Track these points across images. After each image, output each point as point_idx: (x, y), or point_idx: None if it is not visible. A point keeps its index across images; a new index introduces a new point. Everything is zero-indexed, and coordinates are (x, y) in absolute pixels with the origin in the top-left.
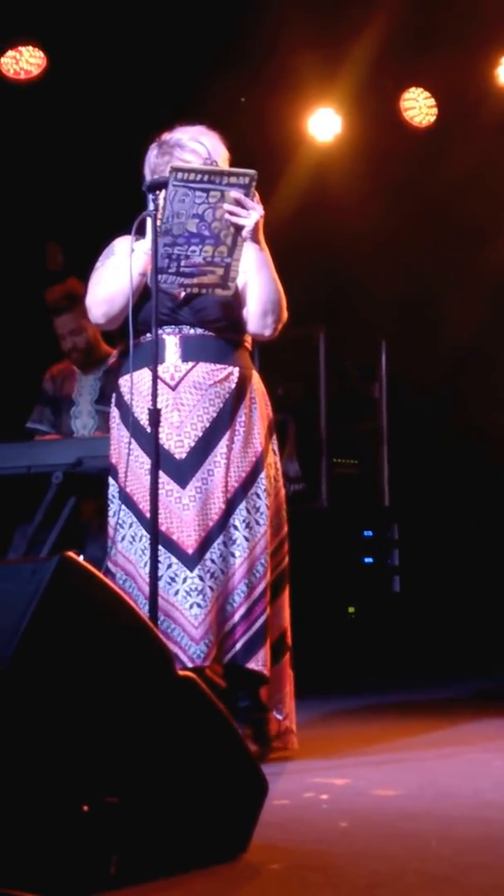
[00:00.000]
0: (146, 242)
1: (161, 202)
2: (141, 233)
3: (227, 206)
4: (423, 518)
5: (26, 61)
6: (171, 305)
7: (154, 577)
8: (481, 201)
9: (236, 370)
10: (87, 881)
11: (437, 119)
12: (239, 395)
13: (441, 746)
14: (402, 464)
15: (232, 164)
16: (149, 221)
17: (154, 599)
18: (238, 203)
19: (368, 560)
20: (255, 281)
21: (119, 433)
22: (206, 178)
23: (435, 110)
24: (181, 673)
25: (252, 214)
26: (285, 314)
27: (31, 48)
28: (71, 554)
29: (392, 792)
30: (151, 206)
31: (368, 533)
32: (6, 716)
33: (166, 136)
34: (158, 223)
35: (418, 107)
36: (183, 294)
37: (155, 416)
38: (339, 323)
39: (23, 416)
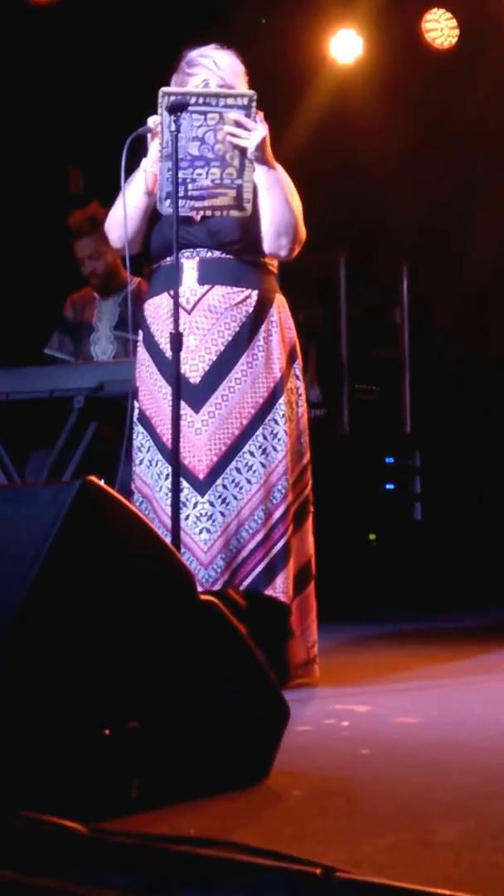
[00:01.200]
0: (150, 160)
1: (159, 126)
2: (143, 153)
3: (227, 128)
4: (445, 445)
5: None
6: (188, 228)
7: (175, 506)
8: (503, 124)
9: (255, 293)
10: (108, 804)
11: (458, 40)
12: (257, 318)
13: (463, 675)
14: (423, 390)
15: (252, 86)
16: (152, 142)
17: (176, 527)
18: (238, 124)
19: (390, 487)
20: (266, 202)
21: (141, 356)
22: (200, 100)
23: (457, 31)
24: (203, 597)
25: (253, 135)
26: (302, 235)
27: None
28: (93, 478)
29: (413, 720)
30: (173, 127)
31: (390, 459)
32: (29, 641)
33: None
34: (160, 147)
35: (440, 28)
36: (199, 217)
37: (177, 340)
38: (361, 247)
39: (45, 343)
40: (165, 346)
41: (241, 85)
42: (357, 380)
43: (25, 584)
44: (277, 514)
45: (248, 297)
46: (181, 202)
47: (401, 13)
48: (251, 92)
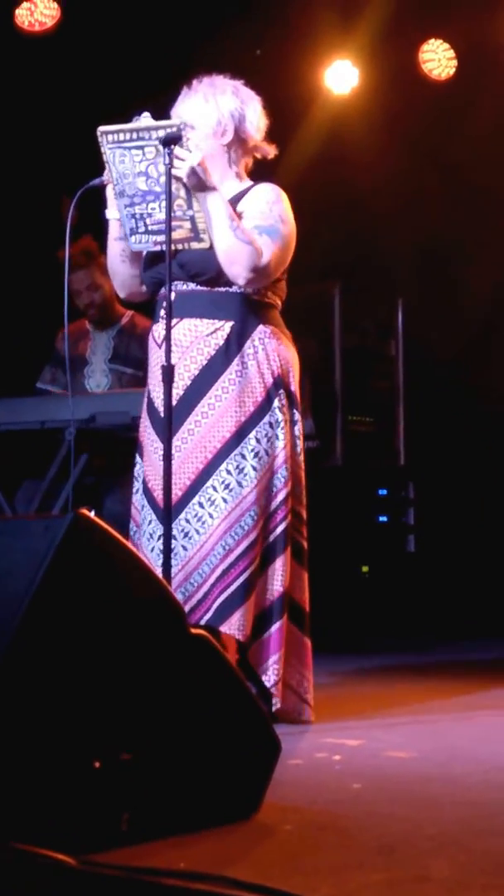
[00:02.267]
0: (111, 208)
1: (105, 164)
2: (103, 204)
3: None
4: (439, 477)
5: (41, 13)
6: (163, 264)
7: (168, 536)
8: (502, 156)
9: (230, 324)
10: (98, 837)
11: (456, 72)
12: (230, 349)
13: (455, 709)
14: (417, 422)
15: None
16: (108, 189)
17: (168, 558)
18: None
19: (383, 519)
20: (211, 232)
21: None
22: (135, 135)
23: (454, 63)
24: (194, 630)
25: (185, 164)
26: (259, 264)
27: (45, 0)
28: (85, 511)
29: (405, 754)
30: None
31: (383, 491)
32: (20, 673)
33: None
34: (112, 186)
35: (437, 59)
36: (160, 249)
37: (168, 373)
38: (356, 279)
39: (36, 375)
40: (149, 379)
41: (216, 116)
42: (351, 411)
43: (17, 616)
44: (239, 550)
45: (220, 328)
46: (144, 237)
47: (398, 44)
48: (179, 121)
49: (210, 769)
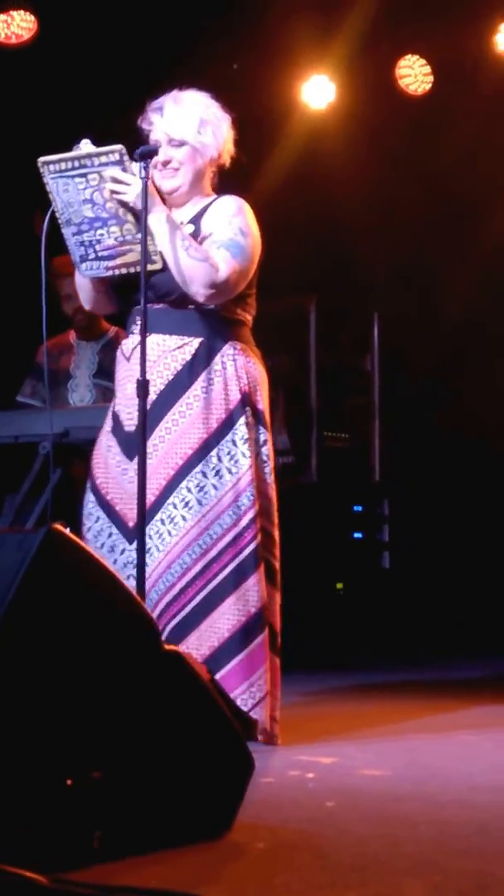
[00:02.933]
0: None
1: (49, 195)
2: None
3: (108, 186)
4: (414, 494)
5: (17, 25)
6: (133, 283)
7: (142, 551)
8: (478, 172)
9: (197, 341)
10: (70, 855)
11: (433, 87)
12: (195, 366)
13: (430, 727)
14: (393, 438)
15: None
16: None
17: (141, 573)
18: (116, 180)
19: (358, 535)
20: (164, 254)
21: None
22: (76, 163)
23: (431, 78)
24: (167, 647)
25: (130, 189)
26: (219, 277)
27: (22, 12)
28: (58, 526)
29: (379, 772)
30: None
31: (358, 508)
32: None
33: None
34: (57, 216)
35: (414, 74)
36: (115, 274)
37: (143, 387)
38: (331, 294)
39: (16, 388)
40: (116, 394)
41: (195, 132)
42: (326, 427)
43: None
44: (196, 569)
45: (187, 344)
46: (95, 264)
47: (374, 59)
48: (119, 146)
49: (182, 787)
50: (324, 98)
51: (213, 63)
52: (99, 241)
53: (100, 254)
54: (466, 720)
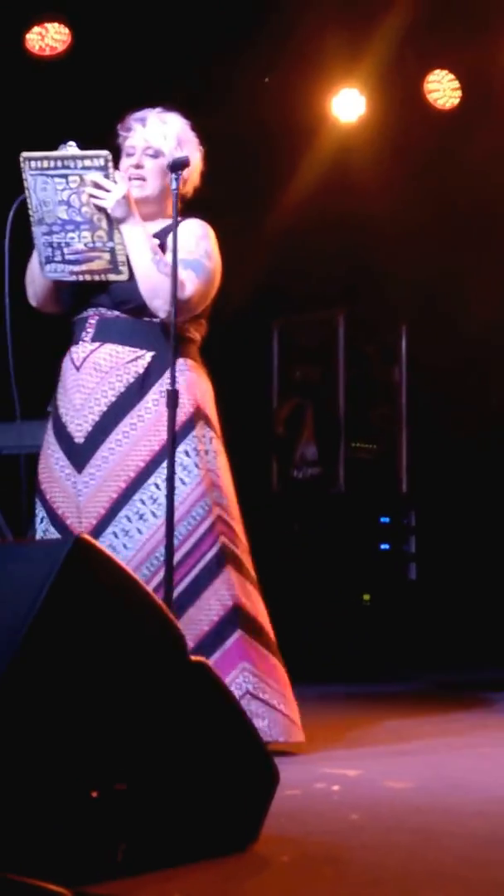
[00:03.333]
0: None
1: (26, 191)
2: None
3: (88, 190)
4: (441, 505)
5: (51, 38)
6: (88, 288)
7: (170, 563)
8: None
9: (150, 355)
10: (94, 868)
11: (461, 101)
12: (148, 378)
13: (454, 739)
14: (420, 449)
15: (254, 145)
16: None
17: (169, 584)
18: (97, 185)
19: (385, 547)
20: (132, 265)
21: (52, 412)
22: (59, 163)
23: (459, 93)
24: (193, 658)
25: (111, 196)
26: (184, 295)
27: (56, 25)
28: (85, 536)
29: (403, 784)
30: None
31: (385, 519)
32: (17, 701)
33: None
34: (31, 214)
35: (442, 89)
36: (76, 280)
37: (173, 397)
38: (360, 306)
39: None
40: (60, 402)
41: (173, 148)
42: (354, 438)
43: (16, 642)
44: (154, 582)
45: (140, 357)
46: (60, 266)
47: (403, 73)
48: (105, 152)
49: (207, 799)
50: (354, 111)
51: (244, 77)
52: (68, 245)
53: (67, 257)
54: (491, 732)
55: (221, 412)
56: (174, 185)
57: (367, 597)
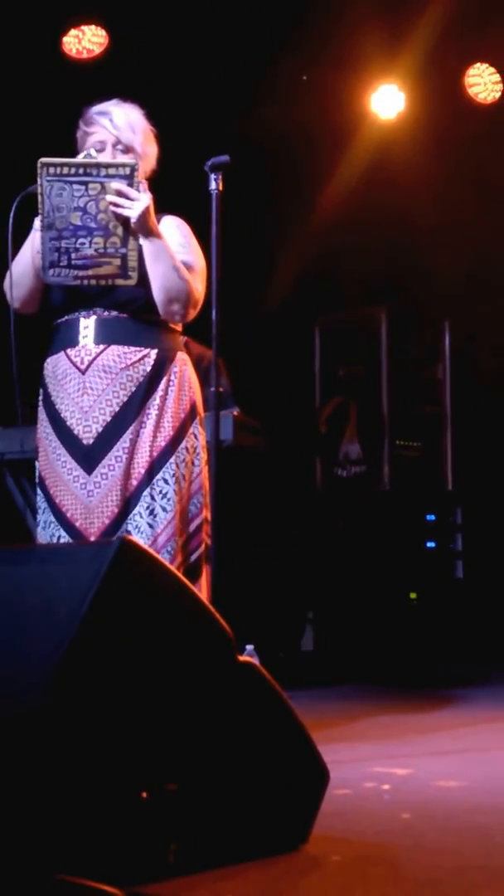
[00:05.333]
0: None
1: (39, 196)
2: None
3: (109, 198)
4: (487, 502)
5: (88, 40)
6: (82, 290)
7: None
8: None
9: (154, 352)
10: (145, 868)
11: (502, 95)
12: (154, 377)
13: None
14: (465, 446)
15: (294, 143)
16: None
17: (212, 595)
18: (121, 194)
19: (431, 544)
20: (155, 271)
21: (40, 416)
22: (81, 170)
23: (500, 86)
24: (242, 658)
25: (136, 205)
26: (197, 297)
27: (93, 27)
28: (131, 538)
29: (454, 783)
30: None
31: (431, 517)
32: (68, 702)
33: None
34: (41, 217)
35: (483, 83)
36: (78, 284)
37: (218, 398)
38: (403, 303)
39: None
40: (61, 406)
41: (142, 141)
42: (399, 436)
43: (64, 643)
44: None
45: (146, 356)
46: (64, 271)
47: (443, 68)
48: (133, 161)
49: (257, 799)
50: (393, 107)
51: (284, 75)
52: (77, 250)
53: (73, 262)
54: None
55: (266, 411)
56: (212, 186)
57: (413, 595)
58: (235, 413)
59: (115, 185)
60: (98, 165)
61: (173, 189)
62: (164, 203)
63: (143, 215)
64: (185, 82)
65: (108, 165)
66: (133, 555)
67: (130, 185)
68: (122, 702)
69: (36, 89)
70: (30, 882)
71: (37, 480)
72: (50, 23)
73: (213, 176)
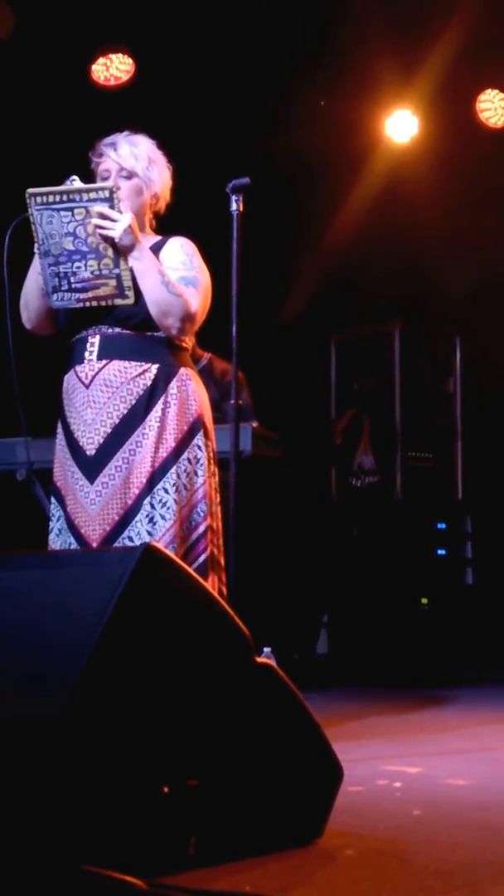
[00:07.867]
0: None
1: (32, 225)
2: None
3: (94, 221)
4: (496, 511)
5: (116, 68)
6: (87, 309)
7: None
8: None
9: (155, 367)
10: (167, 861)
11: None
12: (155, 391)
13: None
14: (475, 458)
15: (310, 165)
16: (36, 246)
17: (234, 602)
18: (103, 216)
19: (441, 552)
20: (143, 288)
21: (58, 429)
22: (65, 197)
23: None
24: (259, 660)
25: (117, 226)
26: (192, 309)
27: (120, 55)
28: (154, 543)
29: (464, 781)
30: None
31: (442, 525)
32: (93, 700)
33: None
34: (36, 246)
35: (494, 108)
36: (82, 306)
37: (238, 410)
38: (415, 319)
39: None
40: (70, 419)
41: (145, 167)
42: (411, 447)
43: (90, 645)
44: None
45: (147, 370)
46: (67, 295)
47: (455, 94)
48: (111, 184)
49: (274, 795)
50: (407, 132)
51: (302, 101)
52: (75, 274)
53: (74, 286)
54: None
55: (283, 423)
56: (233, 207)
57: (424, 601)
58: (254, 425)
59: (98, 208)
60: (79, 191)
61: (196, 209)
62: (187, 223)
63: (126, 234)
64: (208, 108)
65: (87, 190)
66: (157, 559)
67: (112, 207)
68: (145, 700)
69: (66, 115)
70: (56, 873)
71: (52, 489)
72: (79, 52)
73: (234, 197)
